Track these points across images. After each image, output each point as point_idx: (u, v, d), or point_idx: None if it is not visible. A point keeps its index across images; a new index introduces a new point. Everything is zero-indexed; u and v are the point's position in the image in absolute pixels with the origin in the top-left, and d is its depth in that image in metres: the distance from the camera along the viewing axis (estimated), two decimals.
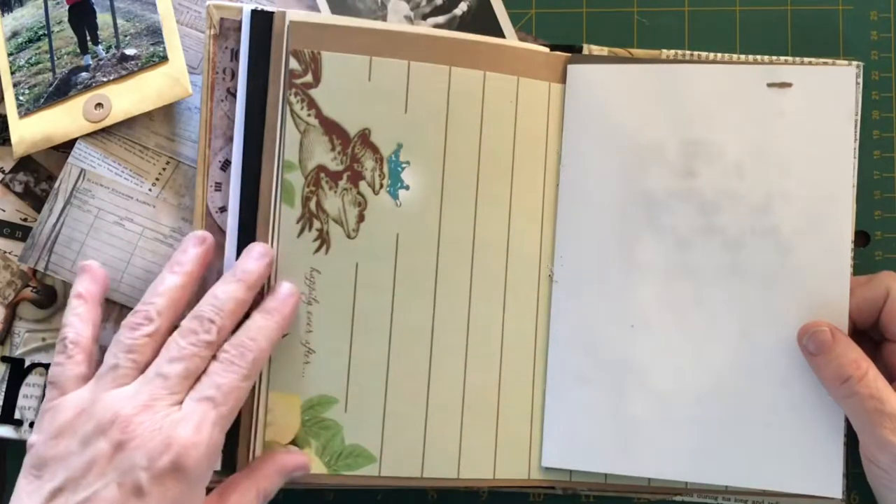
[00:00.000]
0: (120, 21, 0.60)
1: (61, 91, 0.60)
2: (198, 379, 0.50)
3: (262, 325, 0.53)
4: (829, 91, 0.58)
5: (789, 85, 0.58)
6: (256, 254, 0.54)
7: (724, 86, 0.59)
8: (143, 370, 0.50)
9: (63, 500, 0.47)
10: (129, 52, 0.60)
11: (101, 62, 0.60)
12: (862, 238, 0.63)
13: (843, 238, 0.58)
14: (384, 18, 0.63)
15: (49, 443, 0.49)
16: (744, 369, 0.58)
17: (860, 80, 0.59)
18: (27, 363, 0.61)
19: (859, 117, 0.59)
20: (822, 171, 0.58)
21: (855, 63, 0.59)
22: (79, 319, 0.53)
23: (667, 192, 0.59)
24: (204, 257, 0.54)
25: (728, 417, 0.58)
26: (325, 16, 0.60)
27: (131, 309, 0.59)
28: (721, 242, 0.58)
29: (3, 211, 0.61)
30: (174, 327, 0.52)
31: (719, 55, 0.61)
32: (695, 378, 0.58)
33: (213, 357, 0.51)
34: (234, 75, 0.58)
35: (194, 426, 0.48)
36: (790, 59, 0.60)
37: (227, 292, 0.52)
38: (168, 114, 0.60)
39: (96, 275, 0.56)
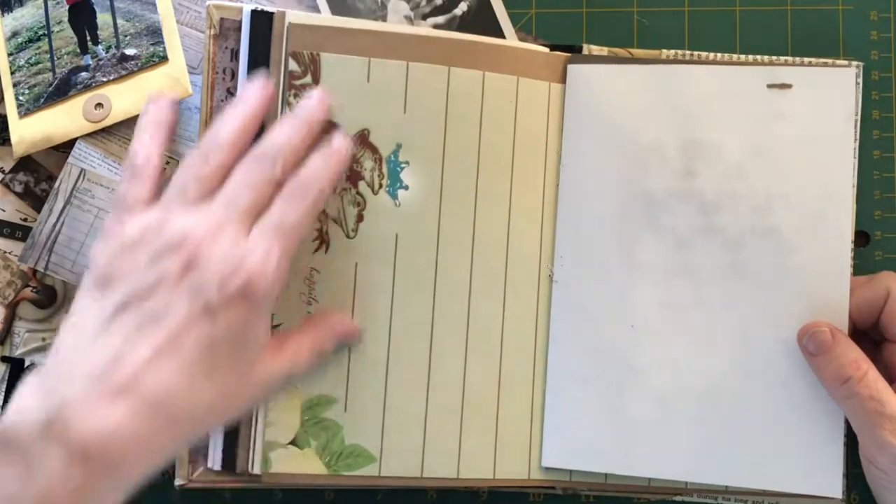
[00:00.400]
0: (120, 21, 0.60)
1: (61, 91, 0.60)
2: (262, 213, 0.50)
3: (321, 166, 0.52)
4: (829, 92, 0.58)
5: (789, 86, 0.58)
6: (317, 99, 0.53)
7: (725, 86, 0.59)
8: (209, 197, 0.50)
9: (131, 315, 0.46)
10: (129, 52, 0.60)
11: (101, 62, 0.60)
12: (862, 238, 0.63)
13: (844, 238, 0.58)
14: (384, 18, 0.63)
15: (114, 260, 0.48)
16: (743, 369, 0.58)
17: (860, 81, 0.59)
18: (27, 363, 0.61)
19: (859, 117, 0.59)
20: (823, 172, 0.58)
21: (855, 63, 0.60)
22: (145, 148, 0.52)
23: (667, 192, 0.59)
24: (267, 100, 0.53)
25: (728, 417, 0.58)
26: (324, 17, 0.60)
27: None
28: (721, 242, 0.58)
29: (3, 211, 0.61)
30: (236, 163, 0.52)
31: (719, 55, 0.61)
32: (694, 378, 0.58)
33: (278, 189, 0.51)
34: (234, 75, 0.58)
35: (263, 254, 0.48)
36: (790, 59, 0.60)
37: (290, 130, 0.52)
38: None
39: (166, 104, 0.55)
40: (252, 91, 0.53)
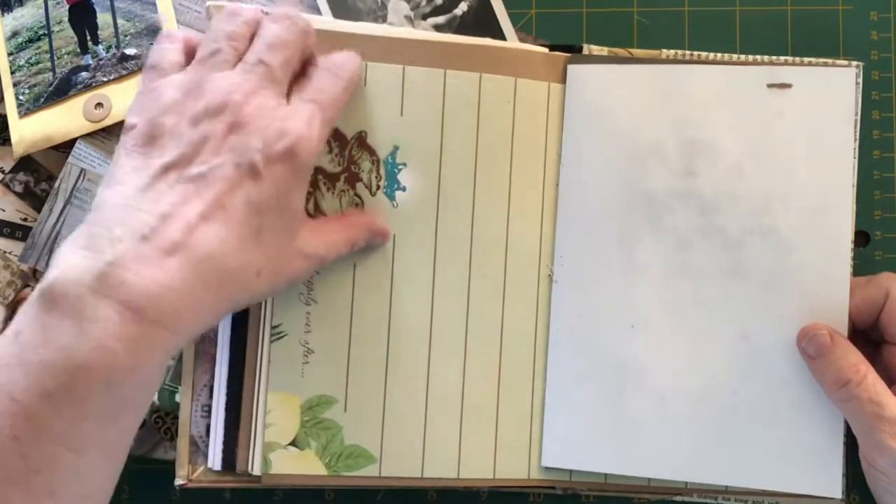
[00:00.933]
0: (120, 21, 0.60)
1: (61, 91, 0.60)
2: (298, 83, 0.51)
3: (351, 55, 0.53)
4: (829, 92, 0.58)
5: (789, 86, 0.58)
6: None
7: (725, 86, 0.59)
8: (241, 57, 0.50)
9: (175, 176, 0.46)
10: (130, 51, 0.60)
11: (101, 62, 0.60)
12: (862, 238, 0.63)
13: (843, 239, 0.57)
14: (384, 18, 0.63)
15: (155, 121, 0.48)
16: (743, 369, 0.58)
17: (860, 80, 0.59)
18: None
19: (859, 117, 0.59)
20: (822, 172, 0.58)
21: (855, 63, 0.59)
22: (171, 35, 0.52)
23: (667, 191, 0.59)
24: None
25: (727, 417, 0.58)
26: (322, 20, 0.60)
27: None
28: (721, 242, 0.58)
29: (3, 211, 0.62)
30: None
31: (719, 55, 0.61)
32: (694, 378, 0.58)
33: (312, 63, 0.51)
34: None
35: (306, 120, 0.48)
36: (790, 59, 0.60)
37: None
38: None
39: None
40: None
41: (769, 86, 0.58)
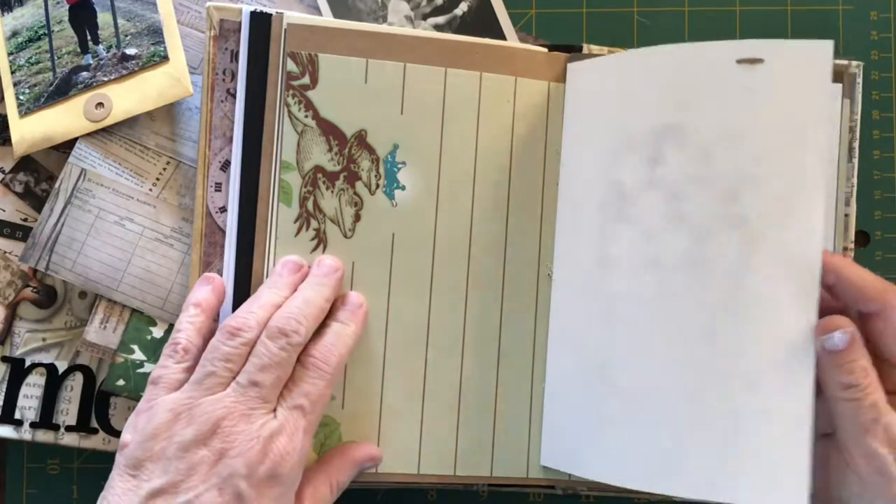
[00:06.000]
0: (120, 21, 0.60)
1: (62, 90, 0.60)
2: (285, 386, 0.52)
3: (340, 333, 0.54)
4: (804, 66, 0.52)
5: (760, 61, 0.52)
6: (328, 267, 0.56)
7: (694, 64, 0.54)
8: (236, 375, 0.52)
9: (163, 502, 0.49)
10: (130, 51, 0.60)
11: (101, 62, 0.60)
12: (862, 238, 0.63)
13: (814, 227, 0.52)
14: (385, 18, 0.63)
15: (146, 444, 0.50)
16: (706, 370, 0.53)
17: (860, 80, 0.59)
18: (27, 363, 0.61)
19: (859, 117, 0.59)
20: (794, 155, 0.52)
21: (855, 63, 0.59)
22: (193, 328, 0.54)
23: (635, 181, 0.56)
24: (298, 281, 0.56)
25: (690, 422, 0.53)
26: (322, 18, 0.60)
27: (132, 309, 0.59)
28: (687, 232, 0.54)
29: (3, 211, 0.62)
30: None
31: None
32: (660, 379, 0.54)
33: (298, 362, 0.53)
34: (234, 76, 0.58)
35: (288, 436, 0.51)
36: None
37: (308, 298, 0.54)
38: (169, 114, 0.60)
39: (217, 287, 0.56)
40: (286, 269, 0.56)
41: (738, 61, 0.53)
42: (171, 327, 0.59)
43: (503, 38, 0.63)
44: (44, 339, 0.61)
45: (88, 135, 0.60)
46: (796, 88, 0.52)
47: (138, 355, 0.60)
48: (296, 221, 0.57)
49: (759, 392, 0.52)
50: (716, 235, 0.53)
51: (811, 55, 0.52)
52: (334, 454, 0.56)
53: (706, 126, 0.53)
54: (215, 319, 0.56)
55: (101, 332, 0.60)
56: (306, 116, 0.57)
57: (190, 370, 0.53)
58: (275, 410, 0.51)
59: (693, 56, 0.54)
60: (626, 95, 0.56)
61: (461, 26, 0.63)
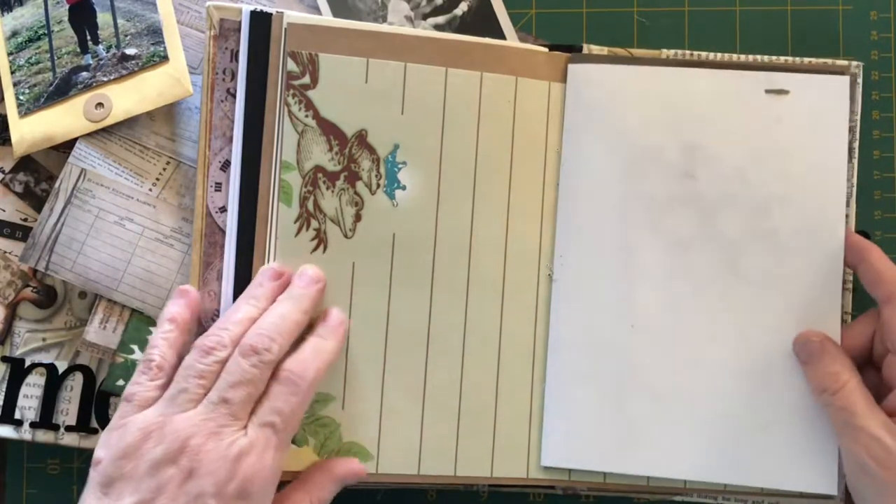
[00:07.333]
0: (120, 21, 0.60)
1: (62, 91, 0.60)
2: (258, 402, 0.52)
3: (318, 348, 0.54)
4: (824, 99, 0.59)
5: (787, 92, 0.59)
6: (308, 279, 0.55)
7: (724, 91, 0.59)
8: (208, 391, 0.51)
9: None
10: (130, 51, 0.60)
11: (101, 62, 0.60)
12: None
13: (837, 242, 0.58)
14: (384, 18, 0.63)
15: (117, 462, 0.50)
16: (741, 370, 0.59)
17: (860, 80, 0.59)
18: (27, 363, 0.61)
19: (859, 117, 0.59)
20: (818, 177, 0.59)
21: (855, 63, 0.59)
22: (167, 344, 0.54)
23: (667, 194, 0.59)
24: (278, 291, 0.55)
25: (725, 417, 0.58)
26: (322, 18, 0.60)
27: (132, 309, 0.59)
28: (719, 245, 0.59)
29: (3, 211, 0.62)
30: None
31: (719, 55, 0.61)
32: (692, 378, 0.59)
33: (272, 376, 0.52)
34: (234, 76, 0.58)
35: (258, 454, 0.50)
36: (789, 59, 0.60)
37: (284, 313, 0.54)
38: (168, 114, 0.60)
39: (191, 300, 0.56)
40: (265, 277, 0.56)
41: (767, 92, 0.59)
42: None
43: (503, 38, 0.63)
44: (44, 339, 0.61)
45: (88, 135, 0.60)
46: (818, 118, 0.59)
47: (138, 355, 0.60)
48: (296, 221, 0.57)
49: (790, 388, 0.58)
50: (747, 248, 0.59)
51: (831, 88, 0.59)
52: (314, 470, 0.56)
53: (738, 148, 0.60)
54: (194, 331, 0.56)
55: (101, 332, 0.60)
56: (306, 116, 0.57)
57: (163, 387, 0.52)
58: (245, 427, 0.51)
59: (724, 83, 0.60)
60: (644, 109, 0.60)
61: (461, 26, 0.63)
